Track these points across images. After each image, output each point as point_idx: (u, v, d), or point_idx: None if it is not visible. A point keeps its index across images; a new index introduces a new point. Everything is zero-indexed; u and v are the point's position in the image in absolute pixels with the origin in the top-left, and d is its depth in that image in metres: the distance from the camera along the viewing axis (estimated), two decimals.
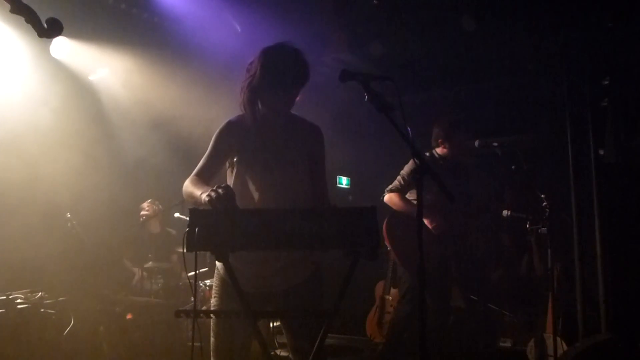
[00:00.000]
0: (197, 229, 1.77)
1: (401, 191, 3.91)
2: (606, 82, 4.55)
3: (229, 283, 2.08)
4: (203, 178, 2.25)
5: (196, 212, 1.81)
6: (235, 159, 2.30)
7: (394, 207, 3.90)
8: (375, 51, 4.76)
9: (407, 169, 3.92)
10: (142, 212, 5.34)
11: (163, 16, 4.63)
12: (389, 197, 3.94)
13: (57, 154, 4.62)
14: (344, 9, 4.41)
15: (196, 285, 2.19)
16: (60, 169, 4.61)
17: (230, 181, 2.33)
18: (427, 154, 3.99)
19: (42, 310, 3.63)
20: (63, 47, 4.72)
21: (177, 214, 5.06)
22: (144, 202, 5.35)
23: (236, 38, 4.65)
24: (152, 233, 5.37)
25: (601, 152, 4.62)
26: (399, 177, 3.95)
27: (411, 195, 3.94)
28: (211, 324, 2.25)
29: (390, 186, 3.96)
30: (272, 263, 2.22)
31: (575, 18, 3.99)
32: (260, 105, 2.24)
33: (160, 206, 5.34)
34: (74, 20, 4.48)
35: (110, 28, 4.64)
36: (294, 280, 2.25)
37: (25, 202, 4.36)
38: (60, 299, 3.80)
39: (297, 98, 2.29)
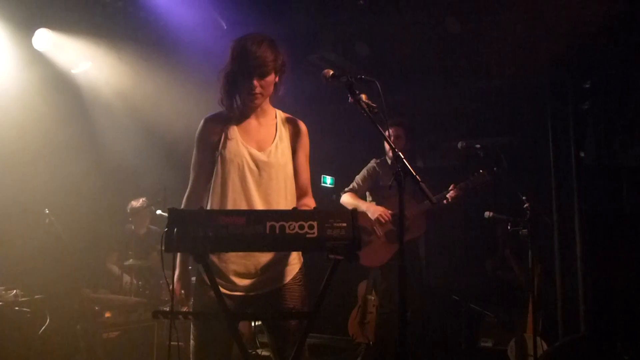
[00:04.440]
0: (175, 229, 1.74)
1: (357, 192, 4.29)
2: (587, 85, 4.61)
3: (209, 284, 2.06)
4: (200, 194, 2.27)
5: (175, 211, 1.78)
6: (216, 157, 2.26)
7: (348, 207, 4.13)
8: (360, 51, 4.74)
9: (363, 173, 4.29)
10: (136, 210, 5.02)
11: (148, 11, 4.56)
12: (344, 197, 4.27)
13: (36, 148, 4.53)
14: (329, 8, 4.39)
15: (173, 286, 2.15)
16: (39, 163, 4.52)
17: (211, 179, 2.30)
18: (378, 160, 4.28)
19: (16, 308, 3.56)
20: (46, 39, 4.58)
21: (159, 211, 4.98)
22: (130, 199, 5.06)
23: (221, 35, 4.60)
24: (137, 233, 5.23)
25: (582, 154, 4.67)
26: (355, 180, 4.32)
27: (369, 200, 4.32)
28: (191, 325, 2.22)
29: (346, 188, 4.33)
30: (254, 262, 2.18)
31: (558, 22, 4.02)
32: (238, 100, 2.22)
33: (152, 207, 5.04)
34: (57, 12, 4.40)
35: (95, 21, 4.55)
36: (277, 282, 2.21)
37: (1, 196, 4.27)
38: (36, 296, 3.72)
39: (280, 92, 2.26)
